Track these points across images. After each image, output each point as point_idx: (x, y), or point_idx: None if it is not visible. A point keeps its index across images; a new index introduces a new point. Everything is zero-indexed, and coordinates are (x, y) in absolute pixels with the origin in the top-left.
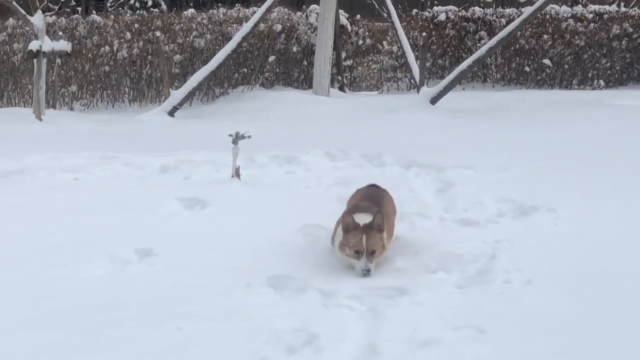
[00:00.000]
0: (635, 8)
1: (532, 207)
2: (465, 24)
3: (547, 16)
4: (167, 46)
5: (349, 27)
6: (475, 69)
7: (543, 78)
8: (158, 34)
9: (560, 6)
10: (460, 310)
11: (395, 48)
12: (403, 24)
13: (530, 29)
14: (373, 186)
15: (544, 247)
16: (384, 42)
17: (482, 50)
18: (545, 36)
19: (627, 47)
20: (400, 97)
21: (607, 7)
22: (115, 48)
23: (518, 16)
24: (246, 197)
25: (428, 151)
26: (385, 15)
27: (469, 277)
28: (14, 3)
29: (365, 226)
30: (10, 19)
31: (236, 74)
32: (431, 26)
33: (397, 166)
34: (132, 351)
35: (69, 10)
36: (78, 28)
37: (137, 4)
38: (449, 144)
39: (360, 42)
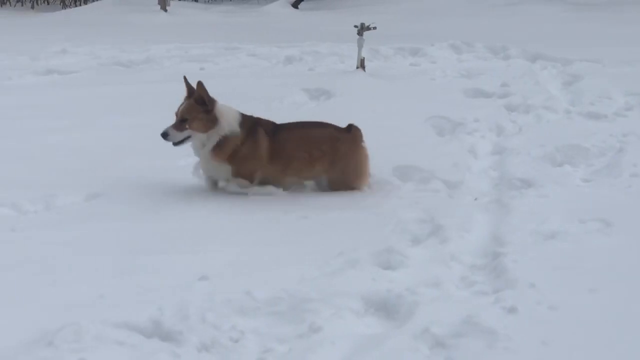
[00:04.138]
0: None
1: None
2: None
3: None
4: None
5: None
6: None
7: None
8: None
9: None
10: (587, 203)
11: None
12: None
13: None
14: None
15: None
16: None
17: None
18: None
19: None
20: None
21: None
22: None
23: None
24: (371, 88)
25: (553, 44)
26: None
27: (596, 171)
28: None
29: (188, 95)
30: None
31: None
32: None
33: (522, 59)
34: (255, 236)
35: None
36: None
37: None
38: (575, 37)
39: None
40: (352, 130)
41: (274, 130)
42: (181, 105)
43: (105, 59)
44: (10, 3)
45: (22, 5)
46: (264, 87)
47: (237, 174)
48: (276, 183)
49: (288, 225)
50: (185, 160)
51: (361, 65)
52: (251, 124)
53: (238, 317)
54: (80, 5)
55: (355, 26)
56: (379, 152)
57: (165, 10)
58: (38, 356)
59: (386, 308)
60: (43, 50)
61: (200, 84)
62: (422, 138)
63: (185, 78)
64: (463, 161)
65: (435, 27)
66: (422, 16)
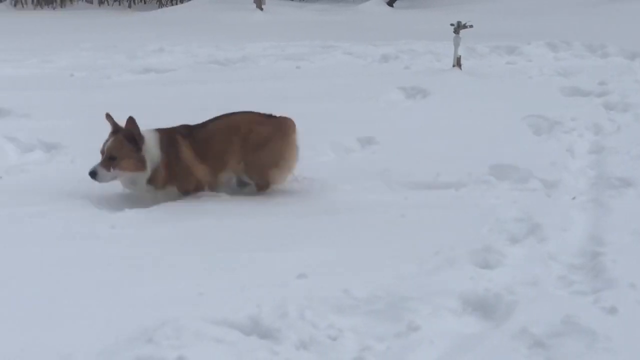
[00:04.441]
0: None
1: None
2: None
3: None
4: None
5: None
6: None
7: None
8: None
9: None
10: None
11: None
12: None
13: None
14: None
15: None
16: None
17: None
18: None
19: None
20: None
21: None
22: None
23: None
24: (467, 86)
25: None
26: None
27: None
28: None
29: (114, 131)
30: None
31: None
32: None
33: (620, 57)
34: (354, 234)
35: None
36: None
37: None
38: None
39: None
40: (280, 118)
41: (191, 132)
42: (107, 142)
43: (202, 57)
44: (108, 2)
45: (119, 4)
46: (360, 85)
47: (184, 189)
48: (213, 184)
49: (385, 224)
50: None
51: (457, 63)
52: (169, 138)
53: (336, 315)
54: (176, 4)
55: (452, 24)
56: (475, 151)
57: (261, 9)
58: (139, 352)
59: (484, 307)
60: (140, 49)
61: (131, 119)
62: (519, 137)
63: (108, 115)
64: (560, 160)
65: (531, 26)
66: (518, 14)
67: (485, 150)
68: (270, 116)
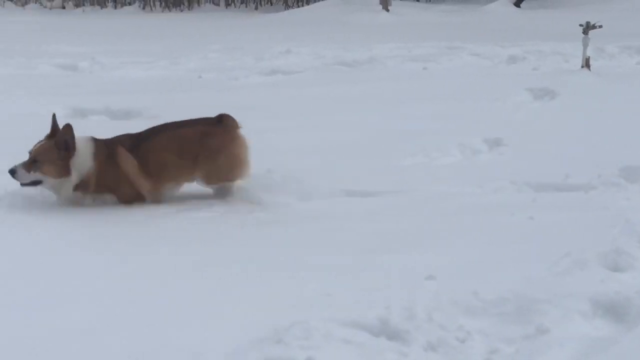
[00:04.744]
0: None
1: None
2: None
3: None
4: None
5: None
6: None
7: None
8: None
9: None
10: None
11: None
12: None
13: None
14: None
15: None
16: None
17: None
18: None
19: None
20: None
21: None
22: None
23: None
24: (596, 87)
25: None
26: None
27: None
28: None
29: (50, 135)
30: None
31: None
32: None
33: None
34: (482, 237)
35: None
36: None
37: None
38: None
39: None
40: (223, 122)
41: (136, 142)
42: (38, 144)
43: (329, 58)
44: (235, 4)
45: (246, 6)
46: (485, 87)
47: (124, 200)
48: (156, 195)
49: (513, 226)
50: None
51: (586, 64)
52: (107, 148)
53: (465, 317)
54: (302, 5)
55: (581, 25)
56: (605, 153)
57: (387, 10)
58: (268, 353)
59: (615, 310)
60: (267, 51)
61: (68, 126)
62: None
63: (53, 116)
64: None
65: None
66: None
67: (615, 152)
68: (215, 123)
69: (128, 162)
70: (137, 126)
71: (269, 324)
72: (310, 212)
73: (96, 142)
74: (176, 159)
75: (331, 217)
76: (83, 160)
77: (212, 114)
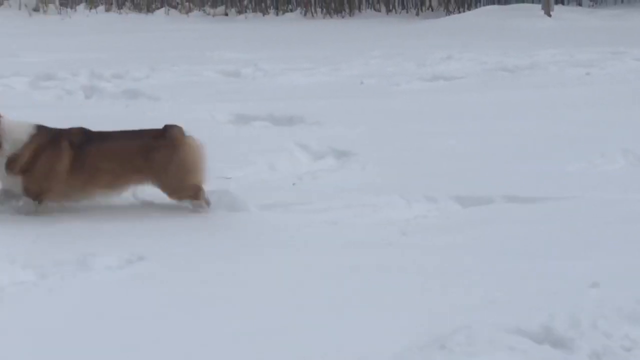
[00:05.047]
0: None
1: None
2: None
3: None
4: None
5: None
6: None
7: None
8: None
9: None
10: None
11: None
12: None
13: None
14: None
15: None
16: None
17: None
18: None
19: None
20: None
21: None
22: None
23: None
24: None
25: None
26: None
27: None
28: None
29: None
30: None
31: None
32: None
33: None
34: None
35: None
36: None
37: None
38: None
39: None
40: (167, 134)
41: (86, 140)
42: None
43: (490, 64)
44: (395, 10)
45: (407, 12)
46: None
47: (26, 190)
48: (83, 196)
49: None
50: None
51: None
52: (52, 136)
53: (630, 326)
54: (464, 11)
55: None
56: None
57: (549, 15)
58: (432, 358)
59: None
60: (429, 57)
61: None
62: None
63: None
64: None
65: None
66: None
67: None
68: (160, 136)
69: (65, 156)
70: (298, 133)
71: (432, 330)
72: (470, 216)
73: (40, 127)
74: (113, 168)
75: (491, 223)
76: (15, 142)
77: (373, 120)
